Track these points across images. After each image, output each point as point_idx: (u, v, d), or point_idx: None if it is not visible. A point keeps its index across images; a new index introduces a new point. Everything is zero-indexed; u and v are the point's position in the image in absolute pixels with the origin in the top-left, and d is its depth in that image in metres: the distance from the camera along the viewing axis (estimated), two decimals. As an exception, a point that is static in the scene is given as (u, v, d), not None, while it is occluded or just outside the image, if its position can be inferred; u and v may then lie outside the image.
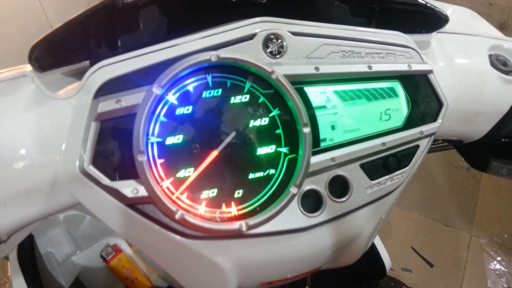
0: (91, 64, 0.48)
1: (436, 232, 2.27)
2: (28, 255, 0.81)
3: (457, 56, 0.62)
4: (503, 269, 2.12)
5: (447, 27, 0.62)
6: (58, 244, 0.93)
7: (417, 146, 0.56)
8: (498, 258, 2.15)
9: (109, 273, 0.98)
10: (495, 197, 2.39)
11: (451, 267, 2.15)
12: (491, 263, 2.15)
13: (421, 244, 2.22)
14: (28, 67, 0.46)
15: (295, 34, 0.51)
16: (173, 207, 0.44)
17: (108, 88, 0.44)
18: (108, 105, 0.43)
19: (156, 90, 0.44)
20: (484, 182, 2.43)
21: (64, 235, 0.94)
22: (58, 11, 2.60)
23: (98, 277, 0.99)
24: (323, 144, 0.51)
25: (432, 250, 2.20)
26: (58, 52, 0.47)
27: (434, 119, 0.58)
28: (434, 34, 0.64)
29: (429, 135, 0.57)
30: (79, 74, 0.50)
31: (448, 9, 0.63)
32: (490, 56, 0.64)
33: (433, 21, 0.62)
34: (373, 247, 0.97)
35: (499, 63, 0.64)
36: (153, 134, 0.45)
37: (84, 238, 0.99)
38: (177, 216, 0.44)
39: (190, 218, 0.44)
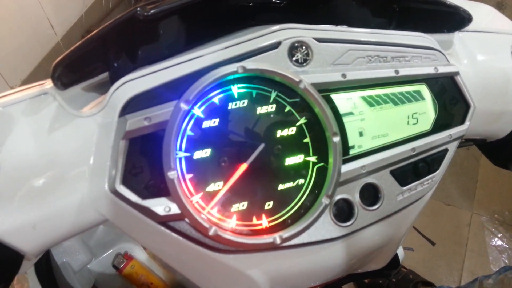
0: (111, 77, 0.47)
1: (437, 211, 2.29)
2: (45, 266, 0.80)
3: (480, 55, 0.61)
4: (505, 245, 2.15)
5: (469, 26, 0.61)
6: (73, 253, 0.93)
7: (446, 150, 0.56)
8: (499, 235, 2.18)
9: (124, 279, 0.98)
10: (495, 175, 2.40)
11: (452, 244, 2.17)
12: (492, 240, 2.17)
13: (422, 224, 2.23)
14: (47, 84, 0.45)
15: (320, 40, 0.49)
16: (206, 224, 0.43)
17: (134, 105, 0.43)
18: (136, 123, 0.42)
19: (184, 106, 0.43)
20: (484, 161, 2.44)
21: (79, 244, 0.93)
22: (56, 5, 2.57)
23: (114, 284, 0.99)
24: (352, 152, 0.50)
25: (433, 229, 2.22)
26: (79, 68, 0.46)
27: (461, 121, 0.57)
28: (456, 33, 0.62)
29: (458, 138, 0.56)
30: (99, 87, 0.49)
31: (466, 6, 0.61)
32: None
33: (456, 21, 0.61)
34: None
35: None
36: (180, 149, 0.44)
37: (98, 246, 0.99)
38: (210, 233, 0.43)
39: (223, 234, 0.44)
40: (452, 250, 2.16)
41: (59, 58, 0.43)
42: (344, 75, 0.49)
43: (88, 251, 0.95)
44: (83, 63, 0.46)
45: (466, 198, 2.33)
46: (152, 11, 0.43)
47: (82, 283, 0.91)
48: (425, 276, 2.03)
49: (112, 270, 0.98)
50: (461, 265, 2.10)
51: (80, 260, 0.93)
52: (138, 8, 0.43)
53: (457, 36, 0.62)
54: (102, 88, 0.45)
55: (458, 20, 0.60)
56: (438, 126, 0.55)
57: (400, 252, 0.99)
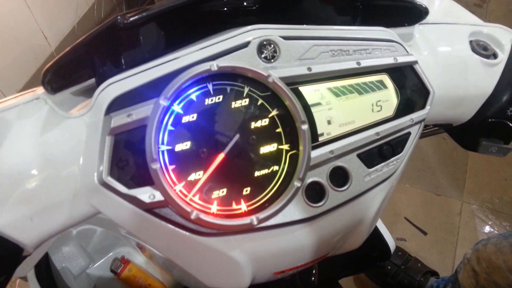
0: (97, 82, 0.51)
1: (428, 201, 2.33)
2: (45, 272, 0.83)
3: (440, 45, 0.66)
4: (495, 232, 2.19)
5: (428, 18, 0.66)
6: (72, 259, 0.95)
7: (409, 133, 0.60)
8: (490, 222, 2.22)
9: (123, 282, 1.01)
10: (484, 164, 2.45)
11: (444, 233, 2.21)
12: (483, 227, 2.21)
13: (414, 214, 2.28)
14: (39, 90, 0.49)
15: (286, 38, 0.54)
16: (188, 208, 0.47)
17: (118, 104, 0.47)
18: (120, 119, 0.46)
19: (163, 102, 0.47)
20: (472, 151, 2.49)
21: (77, 250, 0.96)
22: (49, 17, 2.64)
23: (113, 287, 1.02)
24: (321, 139, 0.54)
25: (425, 219, 2.26)
26: (67, 74, 0.50)
27: (422, 106, 0.61)
28: (416, 26, 0.67)
29: (419, 122, 0.60)
30: (86, 92, 0.53)
31: (424, 0, 0.66)
32: (470, 42, 0.68)
33: (414, 14, 0.65)
34: (376, 229, 1.00)
35: (479, 48, 0.67)
36: (163, 143, 0.48)
37: (96, 251, 1.02)
38: (192, 216, 0.47)
39: (204, 217, 0.48)
40: (444, 239, 2.20)
41: (48, 65, 0.47)
42: (309, 69, 0.54)
43: (87, 256, 0.98)
44: (70, 69, 0.50)
45: (456, 187, 2.37)
46: (131, 19, 0.48)
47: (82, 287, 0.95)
48: (419, 265, 2.07)
49: (110, 274, 1.01)
50: (453, 253, 2.14)
51: (79, 265, 0.96)
52: (119, 16, 0.48)
53: (417, 28, 0.66)
54: (90, 93, 0.49)
55: (416, 13, 0.64)
56: (401, 111, 0.59)
57: (391, 243, 1.02)
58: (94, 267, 1.01)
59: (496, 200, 2.30)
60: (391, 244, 1.02)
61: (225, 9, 0.55)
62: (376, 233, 1.01)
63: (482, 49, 0.67)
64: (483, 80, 0.67)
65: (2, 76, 2.37)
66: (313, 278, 0.87)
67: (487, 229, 2.21)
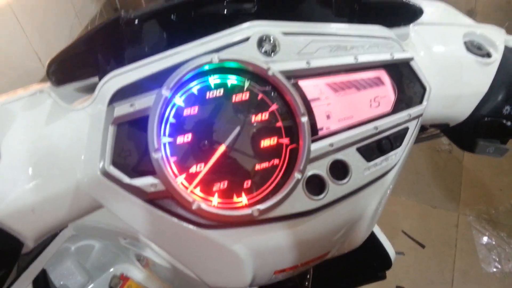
0: (100, 77, 0.52)
1: (424, 214, 2.34)
2: None
3: (435, 45, 0.67)
4: (493, 242, 2.20)
5: (424, 19, 0.67)
6: (71, 276, 0.95)
7: (407, 128, 0.60)
8: (487, 233, 2.23)
9: None
10: (478, 175, 2.47)
11: (442, 246, 2.22)
12: (481, 239, 2.22)
13: (411, 227, 2.28)
14: (44, 85, 0.50)
15: (285, 34, 0.55)
16: (189, 198, 0.47)
17: (121, 95, 0.47)
18: (123, 109, 0.47)
19: (165, 92, 0.47)
20: (466, 162, 2.52)
21: (75, 267, 0.96)
22: (43, 39, 2.66)
23: None
24: (320, 133, 0.55)
25: (422, 232, 2.26)
26: (70, 68, 0.51)
27: (419, 102, 0.62)
28: (411, 26, 0.68)
29: (417, 117, 0.61)
30: (89, 89, 0.54)
31: (422, 4, 0.68)
32: (465, 42, 0.69)
33: (408, 14, 0.67)
34: (375, 239, 1.00)
35: (474, 48, 0.68)
36: (164, 135, 0.48)
37: (94, 268, 1.01)
38: (193, 207, 0.47)
39: (206, 208, 0.48)
40: (442, 251, 2.20)
41: (53, 56, 0.48)
42: (308, 63, 0.55)
43: (85, 273, 0.98)
44: (74, 62, 0.51)
45: (452, 199, 2.38)
46: (134, 14, 0.49)
47: None
48: (417, 279, 2.07)
49: None
50: (452, 266, 2.14)
51: (78, 283, 0.96)
52: (122, 12, 0.49)
53: (412, 29, 0.68)
54: (92, 90, 0.50)
55: (410, 13, 0.66)
56: (398, 107, 0.60)
57: (392, 253, 1.02)
58: (92, 285, 1.01)
59: (492, 211, 2.31)
60: (392, 253, 1.01)
61: (225, 11, 0.57)
62: (375, 242, 1.01)
63: (477, 49, 0.68)
64: (478, 78, 0.68)
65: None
66: (306, 283, 0.86)
67: (485, 240, 2.21)
